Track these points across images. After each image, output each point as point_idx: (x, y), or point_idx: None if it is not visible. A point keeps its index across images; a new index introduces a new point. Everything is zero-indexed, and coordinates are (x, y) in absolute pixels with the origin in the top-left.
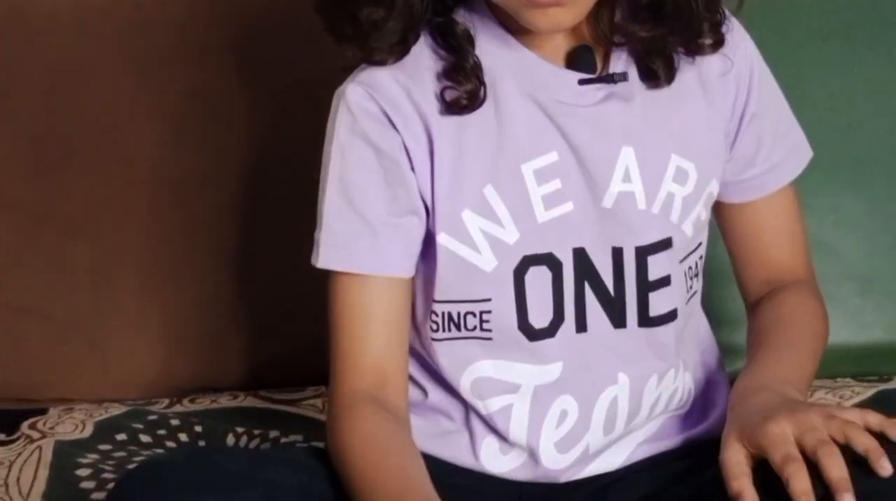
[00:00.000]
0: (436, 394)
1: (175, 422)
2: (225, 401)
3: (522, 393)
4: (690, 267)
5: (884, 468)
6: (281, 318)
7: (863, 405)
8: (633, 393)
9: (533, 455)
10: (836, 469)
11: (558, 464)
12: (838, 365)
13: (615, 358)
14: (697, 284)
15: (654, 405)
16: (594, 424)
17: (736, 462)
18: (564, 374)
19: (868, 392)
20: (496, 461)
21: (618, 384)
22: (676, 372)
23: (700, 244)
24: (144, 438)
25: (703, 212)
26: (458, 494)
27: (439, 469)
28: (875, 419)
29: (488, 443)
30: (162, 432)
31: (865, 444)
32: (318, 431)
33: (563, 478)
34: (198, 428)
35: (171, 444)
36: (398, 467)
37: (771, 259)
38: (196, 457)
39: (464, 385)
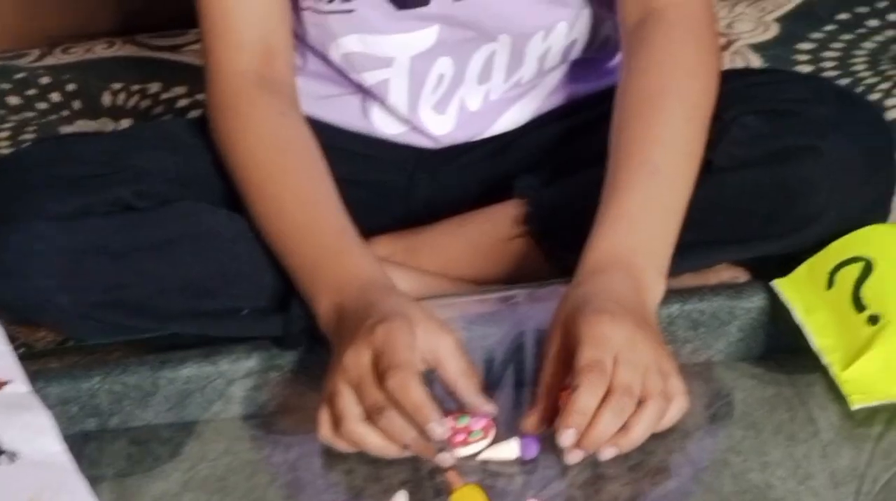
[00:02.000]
0: (314, 63)
1: (46, 80)
2: (100, 50)
3: (398, 67)
4: None
5: (604, 454)
6: None
7: (788, 14)
8: (514, 48)
9: (415, 124)
10: (641, 430)
11: (441, 128)
12: None
13: (496, 20)
14: None
15: (544, 57)
16: (468, 76)
17: (548, 363)
18: (441, 37)
19: None
20: (385, 123)
21: (497, 41)
22: (571, 24)
23: None
24: (13, 100)
25: None
26: (351, 159)
27: (328, 133)
28: (670, 420)
29: (377, 107)
30: (32, 92)
31: (632, 440)
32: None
33: (449, 141)
34: (70, 87)
35: (42, 105)
36: (305, 186)
37: None
38: (56, 150)
39: (334, 58)
